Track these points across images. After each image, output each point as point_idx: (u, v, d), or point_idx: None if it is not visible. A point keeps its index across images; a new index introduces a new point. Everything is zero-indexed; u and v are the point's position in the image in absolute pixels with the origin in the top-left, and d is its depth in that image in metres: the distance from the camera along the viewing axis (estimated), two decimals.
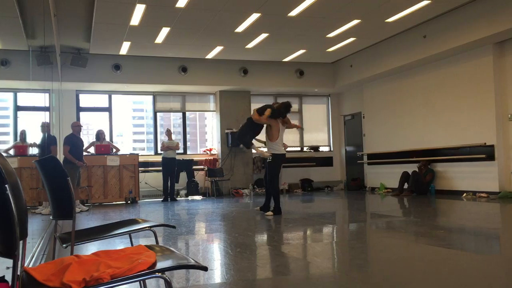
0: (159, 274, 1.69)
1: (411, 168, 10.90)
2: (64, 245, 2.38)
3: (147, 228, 2.67)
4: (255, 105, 13.84)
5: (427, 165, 10.65)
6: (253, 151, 9.86)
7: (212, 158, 13.27)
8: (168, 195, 11.55)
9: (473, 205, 8.19)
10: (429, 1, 8.54)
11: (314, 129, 14.55)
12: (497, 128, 9.17)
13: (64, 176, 2.29)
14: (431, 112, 10.76)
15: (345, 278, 3.36)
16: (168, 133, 11.81)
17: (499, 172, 9.15)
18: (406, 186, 10.82)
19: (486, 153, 9.30)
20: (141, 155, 12.23)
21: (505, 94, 9.16)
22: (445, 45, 9.59)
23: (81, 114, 12.62)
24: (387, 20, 9.54)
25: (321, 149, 14.55)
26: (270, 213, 7.48)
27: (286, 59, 12.71)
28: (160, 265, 1.75)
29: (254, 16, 9.04)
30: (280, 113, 7.56)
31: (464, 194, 9.61)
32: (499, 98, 9.20)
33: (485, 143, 9.32)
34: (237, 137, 8.21)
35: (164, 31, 9.78)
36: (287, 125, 7.84)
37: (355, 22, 9.58)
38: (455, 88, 10.08)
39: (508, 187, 9.07)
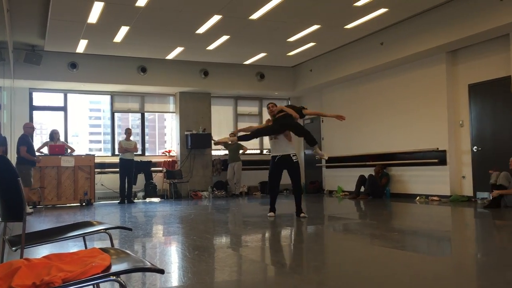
0: (114, 277, 1.65)
1: (367, 171, 11.14)
2: (13, 248, 2.29)
3: (102, 230, 2.61)
4: (215, 107, 13.87)
5: (382, 169, 10.92)
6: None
7: (171, 160, 13.13)
8: (125, 197, 11.33)
9: (426, 208, 8.46)
10: (386, 9, 8.77)
11: None
12: (449, 134, 9.51)
13: (14, 176, 2.21)
14: (387, 117, 11.04)
15: (302, 280, 3.39)
16: (128, 132, 11.57)
17: (450, 176, 9.48)
18: (362, 189, 11.04)
19: (438, 158, 9.62)
20: (98, 156, 11.95)
21: (456, 101, 9.51)
22: (401, 53, 9.87)
23: (35, 113, 12.18)
24: (346, 27, 9.73)
25: None
26: (303, 214, 7.15)
27: (247, 62, 12.74)
28: (115, 268, 1.71)
29: (215, 18, 9.01)
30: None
31: (418, 198, 9.90)
32: (451, 105, 9.54)
33: (437, 148, 9.65)
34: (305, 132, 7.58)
35: (123, 30, 9.60)
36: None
37: (315, 27, 9.71)
38: (410, 95, 10.39)
39: (458, 191, 9.42)
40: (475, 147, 9.11)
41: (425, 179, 10.03)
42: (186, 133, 13.01)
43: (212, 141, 9.38)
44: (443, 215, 7.54)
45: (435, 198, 9.47)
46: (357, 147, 11.96)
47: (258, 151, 14.41)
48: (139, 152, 12.72)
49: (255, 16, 8.88)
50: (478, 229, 6.20)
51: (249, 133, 7.61)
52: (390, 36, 10.07)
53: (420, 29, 9.33)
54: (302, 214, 7.16)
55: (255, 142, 14.32)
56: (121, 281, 1.65)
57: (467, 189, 9.27)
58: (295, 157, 7.19)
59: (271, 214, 7.38)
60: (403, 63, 10.33)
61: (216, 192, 12.86)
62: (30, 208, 9.48)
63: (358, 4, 8.36)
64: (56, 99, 12.51)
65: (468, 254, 4.46)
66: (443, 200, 9.27)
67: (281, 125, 7.14)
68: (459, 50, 9.38)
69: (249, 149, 13.54)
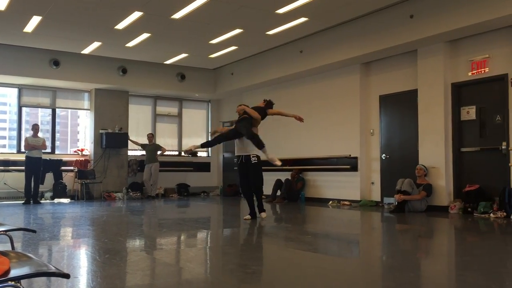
0: (13, 283, 1.53)
1: (284, 176, 11.38)
2: None
3: (1, 232, 2.42)
4: (133, 106, 13.47)
5: (298, 174, 11.21)
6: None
7: (83, 159, 12.53)
8: (31, 197, 10.63)
9: (337, 212, 8.81)
10: (307, 19, 9.05)
11: (193, 134, 14.51)
12: (361, 141, 9.99)
13: None
14: (304, 123, 11.29)
15: (217, 283, 3.37)
16: (35, 128, 10.85)
17: (361, 182, 9.95)
18: (279, 193, 11.26)
19: (350, 164, 10.06)
20: (1, 153, 11.15)
21: (368, 110, 10.02)
22: (319, 61, 10.22)
23: None
24: (267, 33, 9.89)
25: (199, 154, 14.56)
26: (248, 216, 7.10)
27: (168, 62, 12.52)
28: (14, 272, 1.59)
29: (136, 14, 8.75)
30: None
31: (330, 202, 10.27)
32: (364, 114, 10.03)
33: (350, 155, 10.09)
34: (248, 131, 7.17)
35: (35, 19, 9.02)
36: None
37: (238, 31, 9.78)
38: (326, 102, 10.78)
39: (368, 196, 9.91)
40: (383, 154, 9.65)
41: (338, 184, 10.45)
42: (101, 131, 12.50)
43: (182, 152, 7.86)
44: (353, 219, 7.89)
45: (346, 202, 9.89)
46: (275, 151, 12.09)
47: (177, 153, 14.21)
48: (48, 150, 12.02)
49: (177, 15, 8.75)
50: (384, 232, 6.56)
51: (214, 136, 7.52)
52: (309, 45, 10.39)
53: (338, 40, 9.72)
54: (262, 214, 7.19)
55: (173, 143, 14.12)
56: (21, 287, 1.53)
57: (376, 195, 9.78)
58: (254, 158, 7.12)
59: (248, 217, 7.13)
60: (321, 71, 10.70)
61: (131, 194, 12.47)
62: None
63: (279, 11, 8.53)
64: None
65: (375, 256, 4.69)
66: (354, 205, 9.70)
67: (236, 130, 7.08)
68: (372, 63, 9.90)
69: (168, 150, 13.32)
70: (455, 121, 8.34)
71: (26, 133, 11.87)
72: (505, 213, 7.14)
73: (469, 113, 8.22)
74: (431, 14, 7.98)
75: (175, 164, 13.69)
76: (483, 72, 7.91)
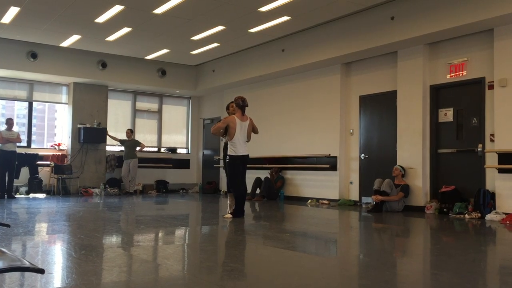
0: None
1: (263, 174, 11.40)
2: None
3: None
4: (112, 101, 13.31)
5: (278, 172, 11.24)
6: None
7: (60, 153, 12.33)
8: (5, 191, 10.42)
9: (316, 211, 8.86)
10: (289, 18, 9.06)
11: (173, 130, 14.42)
12: (340, 141, 10.06)
13: None
14: (285, 122, 11.39)
15: (194, 280, 3.35)
16: (9, 123, 10.63)
17: (339, 181, 10.03)
18: (258, 191, 11.26)
19: (330, 163, 10.13)
20: None
21: (348, 110, 10.10)
22: (301, 60, 10.25)
23: None
24: (250, 30, 9.88)
25: (178, 151, 14.47)
26: (228, 215, 7.01)
27: (149, 57, 12.41)
28: None
29: (117, 8, 8.64)
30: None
31: (309, 201, 10.33)
32: (344, 114, 10.11)
33: (329, 154, 10.16)
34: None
35: (13, 10, 8.84)
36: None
37: (220, 28, 9.74)
38: (307, 101, 10.82)
39: (346, 195, 10.00)
40: (362, 154, 9.73)
41: (317, 183, 10.51)
42: (79, 126, 12.32)
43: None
44: (331, 218, 7.94)
45: (325, 201, 9.95)
46: (255, 149, 12.15)
47: (156, 149, 14.09)
48: (24, 144, 11.80)
49: (159, 10, 8.67)
50: (362, 231, 6.61)
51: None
52: (291, 44, 10.41)
53: (319, 39, 9.77)
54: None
55: (153, 139, 14.00)
56: None
57: (354, 194, 9.86)
58: (227, 157, 7.35)
59: (229, 215, 7.06)
60: (302, 70, 10.73)
61: (108, 190, 12.32)
62: None
63: (262, 9, 8.53)
64: None
65: (352, 255, 4.73)
66: (332, 204, 9.77)
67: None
68: (353, 63, 9.97)
69: (147, 147, 13.20)
70: (433, 122, 8.47)
71: (1, 126, 11.61)
72: (479, 214, 7.29)
73: (447, 115, 8.35)
74: (411, 17, 8.08)
75: (154, 160, 13.59)
76: (461, 75, 8.05)
